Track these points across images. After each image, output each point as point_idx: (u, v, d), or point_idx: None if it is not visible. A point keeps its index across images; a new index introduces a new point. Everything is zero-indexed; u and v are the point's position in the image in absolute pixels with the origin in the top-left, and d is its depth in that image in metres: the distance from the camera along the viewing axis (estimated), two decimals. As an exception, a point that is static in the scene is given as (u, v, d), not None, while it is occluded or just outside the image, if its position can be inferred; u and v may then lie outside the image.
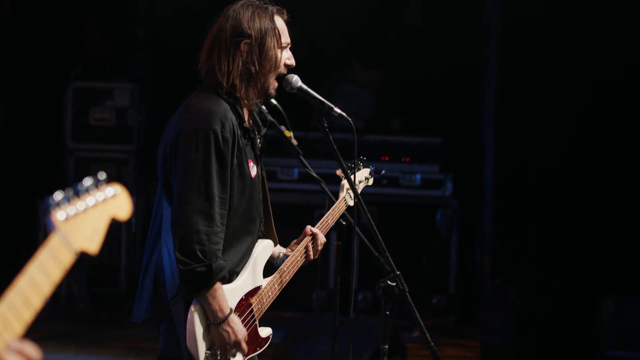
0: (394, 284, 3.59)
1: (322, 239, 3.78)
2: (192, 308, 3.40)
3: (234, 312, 3.46)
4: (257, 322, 3.59)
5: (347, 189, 3.93)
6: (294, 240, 3.79)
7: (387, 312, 3.61)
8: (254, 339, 3.57)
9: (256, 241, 3.64)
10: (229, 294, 3.45)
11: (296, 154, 4.20)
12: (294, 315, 8.21)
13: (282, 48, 3.59)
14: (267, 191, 3.72)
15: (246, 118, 3.58)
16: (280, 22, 3.60)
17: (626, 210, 8.09)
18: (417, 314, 3.61)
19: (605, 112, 8.07)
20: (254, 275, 3.59)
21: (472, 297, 8.78)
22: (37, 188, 8.79)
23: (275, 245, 3.77)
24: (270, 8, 3.59)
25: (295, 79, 3.64)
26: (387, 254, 3.61)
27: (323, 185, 4.15)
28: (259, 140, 3.67)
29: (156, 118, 8.54)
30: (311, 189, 8.64)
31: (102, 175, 1.97)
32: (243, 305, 3.52)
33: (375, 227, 3.63)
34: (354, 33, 9.88)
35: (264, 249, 3.66)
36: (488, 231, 8.81)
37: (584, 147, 8.12)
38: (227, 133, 3.43)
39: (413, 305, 3.60)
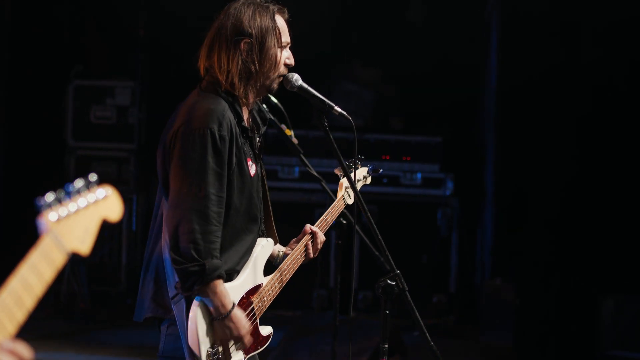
0: (394, 283, 3.60)
1: (321, 237, 3.79)
2: (194, 306, 3.40)
3: (235, 309, 3.47)
4: (257, 321, 3.60)
5: (346, 188, 3.94)
6: (294, 239, 3.80)
7: (387, 311, 3.61)
8: (254, 338, 3.57)
9: (256, 240, 3.64)
10: (230, 292, 3.45)
11: (297, 153, 4.20)
12: (294, 314, 8.22)
13: (282, 47, 3.59)
14: (267, 190, 3.72)
15: (245, 117, 3.58)
16: (281, 21, 3.61)
17: (626, 210, 8.09)
18: (417, 313, 3.62)
19: (606, 111, 8.07)
20: (254, 274, 3.59)
21: (472, 297, 8.79)
22: (37, 186, 8.77)
23: (275, 244, 3.77)
24: (271, 7, 3.59)
25: (296, 78, 3.64)
26: (387, 253, 3.62)
27: (323, 184, 4.15)
28: (258, 138, 3.67)
29: (157, 116, 8.54)
30: (312, 188, 8.64)
31: (93, 177, 1.99)
32: (244, 304, 3.53)
33: (375, 226, 3.63)
34: (354, 32, 9.88)
35: (264, 247, 3.67)
36: (488, 230, 8.81)
37: (584, 146, 8.13)
38: (224, 132, 3.43)
39: (413, 304, 3.61)
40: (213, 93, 3.51)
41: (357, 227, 3.93)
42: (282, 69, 3.60)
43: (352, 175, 3.83)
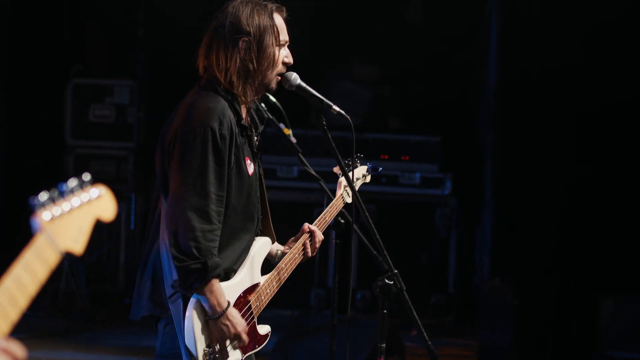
0: (392, 282, 3.59)
1: (319, 236, 3.79)
2: (190, 305, 3.40)
3: (232, 309, 3.47)
4: (255, 320, 3.60)
5: (345, 187, 3.93)
6: (292, 238, 3.79)
7: (385, 311, 3.61)
8: (252, 337, 3.57)
9: (254, 239, 3.64)
10: (227, 291, 3.45)
11: (295, 152, 4.19)
12: (292, 313, 8.22)
13: (280, 46, 3.59)
14: (265, 189, 3.72)
15: (244, 116, 3.58)
16: (279, 20, 3.60)
17: (626, 210, 8.09)
18: (415, 313, 3.61)
19: (606, 111, 8.06)
20: (251, 273, 3.59)
21: (471, 297, 8.78)
22: (36, 184, 8.77)
23: (273, 243, 3.77)
24: (269, 5, 3.59)
25: (294, 77, 3.64)
26: (385, 252, 3.61)
27: (322, 183, 4.14)
28: (256, 137, 3.66)
29: (156, 115, 8.53)
30: (310, 187, 8.64)
31: (86, 177, 1.99)
32: (241, 303, 3.52)
33: (373, 225, 3.63)
34: (353, 31, 9.87)
35: (262, 246, 3.66)
36: (487, 230, 8.81)
37: (583, 146, 8.12)
38: (224, 130, 3.43)
39: (410, 304, 3.60)
40: (212, 91, 3.51)
41: (355, 226, 3.93)
42: (280, 68, 3.60)
43: (350, 174, 3.82)
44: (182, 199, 3.38)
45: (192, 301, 3.40)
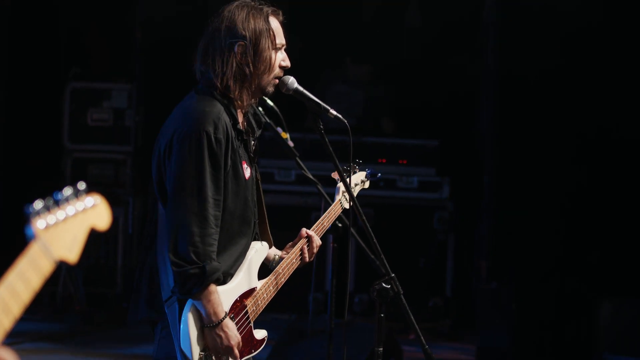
0: (389, 286, 3.60)
1: (317, 241, 3.78)
2: (187, 310, 3.40)
3: (229, 313, 3.46)
4: (252, 324, 3.59)
5: (343, 192, 3.93)
6: (290, 243, 3.79)
7: (382, 315, 3.61)
8: (248, 341, 3.56)
9: (250, 243, 3.63)
10: (223, 295, 3.45)
11: (293, 156, 4.20)
12: (290, 317, 8.21)
13: (276, 49, 3.58)
14: (262, 193, 3.72)
15: (240, 120, 3.58)
16: (275, 23, 3.60)
17: (624, 213, 8.09)
18: (412, 317, 3.61)
19: (606, 113, 8.05)
20: (248, 277, 3.59)
21: (469, 300, 8.77)
22: (34, 189, 8.77)
23: (270, 247, 3.77)
24: (265, 9, 3.59)
25: (291, 81, 3.64)
26: (382, 256, 3.61)
27: (319, 187, 4.14)
28: (253, 142, 3.66)
29: (154, 119, 8.53)
30: (308, 191, 8.63)
31: (81, 185, 1.98)
32: (237, 307, 3.52)
33: (370, 230, 3.63)
34: (351, 32, 9.88)
35: (259, 251, 3.66)
36: (485, 234, 8.80)
37: (583, 150, 8.11)
38: (220, 134, 3.43)
39: (407, 307, 3.60)
40: (208, 96, 3.51)
41: (352, 230, 3.93)
42: (277, 71, 3.59)
43: (347, 179, 3.82)
44: (179, 203, 3.38)
45: (188, 305, 3.40)
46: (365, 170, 4.19)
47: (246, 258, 3.60)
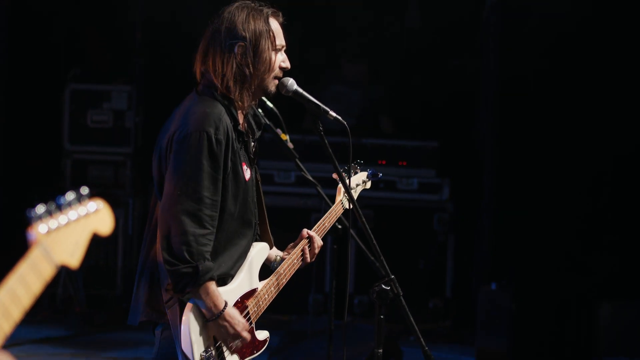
0: (389, 288, 3.59)
1: (318, 242, 3.79)
2: (187, 310, 3.40)
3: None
4: (253, 325, 3.59)
5: (344, 193, 3.93)
6: (291, 244, 3.79)
7: (382, 316, 3.61)
8: (251, 342, 3.56)
9: (251, 244, 3.64)
10: (224, 296, 3.46)
11: (292, 157, 4.19)
12: (290, 318, 8.21)
13: (276, 50, 3.59)
14: (262, 194, 3.72)
15: (241, 121, 3.58)
16: (275, 25, 3.61)
17: (624, 213, 8.08)
18: (411, 318, 3.61)
19: (606, 114, 8.04)
20: (250, 278, 3.59)
21: (469, 302, 8.77)
22: (34, 190, 8.77)
23: (271, 248, 3.77)
24: (265, 10, 3.59)
25: (291, 82, 3.64)
26: (382, 257, 3.61)
27: (319, 189, 4.14)
28: (253, 143, 3.66)
29: (154, 120, 8.52)
30: (308, 193, 8.63)
31: (84, 190, 1.98)
32: (239, 308, 3.52)
33: (369, 231, 3.63)
34: (350, 33, 9.87)
35: (260, 251, 3.66)
36: (485, 235, 8.79)
37: (583, 150, 8.10)
38: (220, 135, 3.43)
39: (407, 309, 3.60)
40: (209, 97, 3.52)
41: (352, 232, 3.93)
42: (277, 72, 3.60)
43: (347, 180, 3.82)
44: (175, 203, 3.39)
45: (188, 306, 3.40)
46: (367, 171, 4.20)
47: (247, 259, 3.60)
